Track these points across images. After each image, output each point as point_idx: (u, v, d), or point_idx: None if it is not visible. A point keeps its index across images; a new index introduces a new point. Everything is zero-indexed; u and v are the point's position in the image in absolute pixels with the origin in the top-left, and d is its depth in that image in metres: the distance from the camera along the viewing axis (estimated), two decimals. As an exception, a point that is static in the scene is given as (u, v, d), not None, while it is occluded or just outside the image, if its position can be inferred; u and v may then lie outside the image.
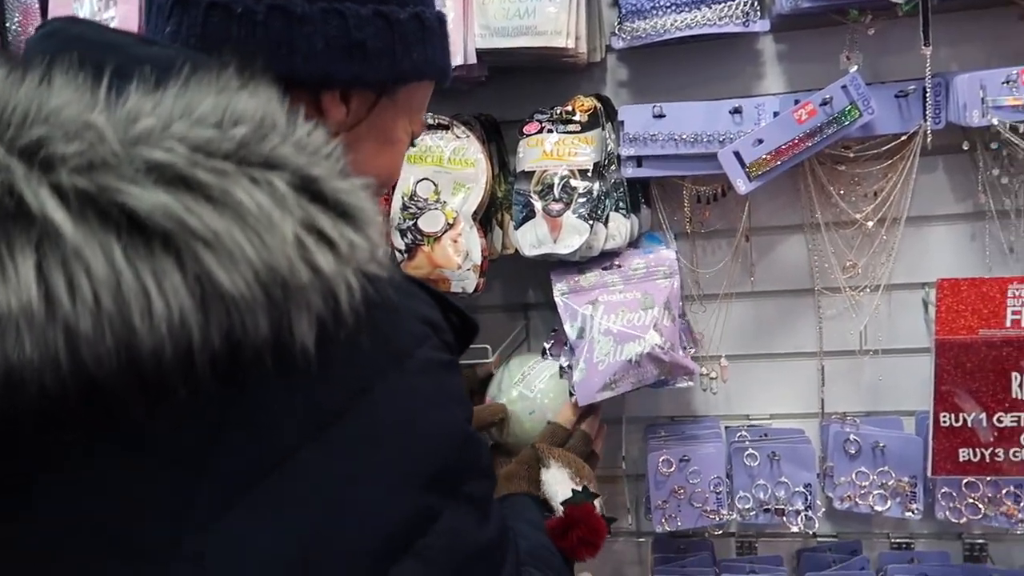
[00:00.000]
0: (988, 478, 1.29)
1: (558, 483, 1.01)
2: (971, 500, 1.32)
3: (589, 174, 1.30)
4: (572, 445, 1.14)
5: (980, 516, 1.32)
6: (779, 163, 1.27)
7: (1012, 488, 1.31)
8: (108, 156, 0.44)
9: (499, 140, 1.41)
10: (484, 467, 0.59)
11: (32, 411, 0.43)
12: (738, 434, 1.41)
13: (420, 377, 0.53)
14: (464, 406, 0.58)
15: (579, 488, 1.01)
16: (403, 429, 0.52)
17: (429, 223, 1.31)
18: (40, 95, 0.45)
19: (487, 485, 0.59)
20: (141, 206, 0.43)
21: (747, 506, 1.37)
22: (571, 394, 1.21)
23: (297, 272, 0.44)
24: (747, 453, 1.37)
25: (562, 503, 0.99)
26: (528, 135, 1.33)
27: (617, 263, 1.32)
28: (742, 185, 1.27)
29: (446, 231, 1.30)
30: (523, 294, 1.49)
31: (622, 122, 1.33)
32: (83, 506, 0.47)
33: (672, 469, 1.36)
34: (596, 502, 1.02)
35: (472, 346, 0.63)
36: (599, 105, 1.34)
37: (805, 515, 1.36)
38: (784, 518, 1.36)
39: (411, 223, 1.30)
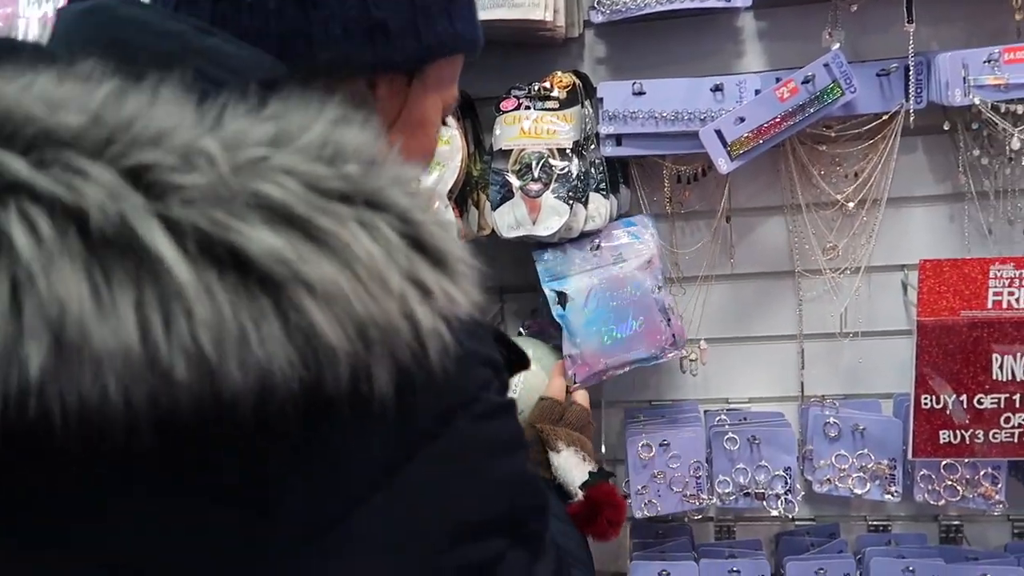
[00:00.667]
0: (967, 460, 1.29)
1: (573, 467, 0.99)
2: (950, 482, 1.32)
3: (568, 153, 1.26)
4: (569, 420, 1.12)
5: (959, 498, 1.32)
6: (761, 142, 1.24)
7: (990, 470, 1.31)
8: (220, 188, 0.40)
9: (474, 117, 1.37)
10: (543, 503, 0.58)
11: (95, 450, 0.39)
12: (717, 418, 1.39)
13: (484, 423, 0.51)
14: (524, 448, 0.57)
15: (594, 469, 0.99)
16: (469, 477, 0.50)
17: (402, 203, 1.26)
18: (145, 110, 0.41)
19: (545, 519, 0.58)
20: (253, 249, 0.39)
21: (727, 490, 1.35)
22: (565, 365, 1.18)
23: (398, 326, 0.42)
24: (727, 437, 1.35)
25: (580, 487, 0.97)
26: (505, 112, 1.29)
27: (598, 242, 1.29)
28: (723, 164, 1.25)
29: (420, 211, 1.26)
30: (499, 276, 1.45)
31: (601, 99, 1.30)
32: (136, 550, 0.44)
33: (652, 454, 1.34)
34: (611, 480, 1.01)
35: None
36: (577, 82, 1.31)
37: (785, 499, 1.35)
38: (764, 502, 1.35)
39: (384, 203, 1.26)
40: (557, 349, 1.27)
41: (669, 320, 1.27)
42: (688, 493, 1.35)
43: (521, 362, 0.60)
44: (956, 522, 1.42)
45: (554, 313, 1.26)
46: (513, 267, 1.42)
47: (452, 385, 0.48)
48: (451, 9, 0.64)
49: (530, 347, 1.24)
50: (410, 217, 0.44)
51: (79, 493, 0.43)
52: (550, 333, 1.29)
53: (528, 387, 1.16)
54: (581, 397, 1.15)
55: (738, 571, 1.35)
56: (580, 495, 0.96)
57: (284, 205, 0.40)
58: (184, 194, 0.39)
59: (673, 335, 1.28)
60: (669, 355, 1.28)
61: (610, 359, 1.25)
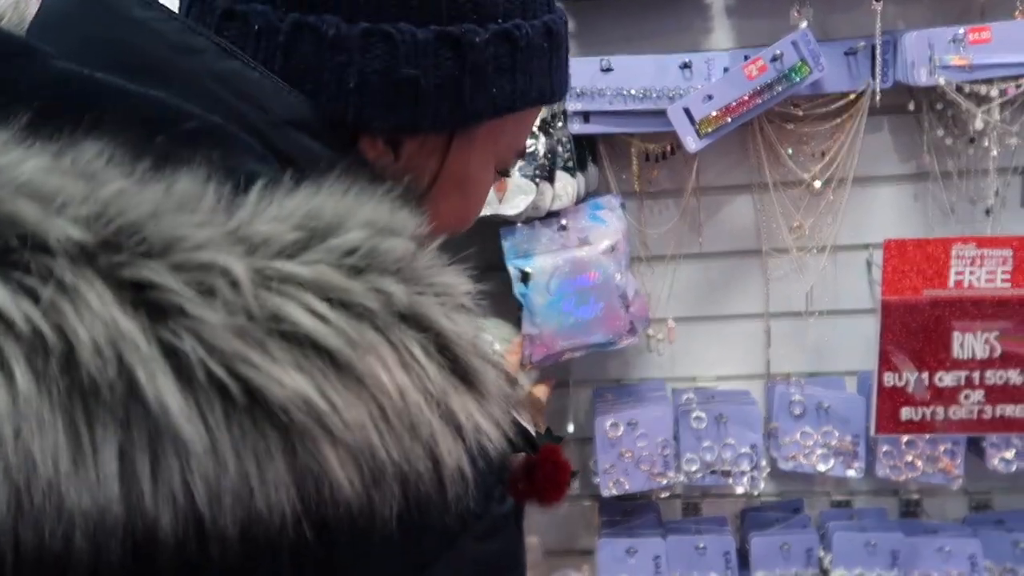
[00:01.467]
0: (927, 436, 1.31)
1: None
2: (911, 458, 1.34)
3: (535, 131, 1.24)
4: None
5: (919, 473, 1.35)
6: (730, 120, 1.24)
7: (949, 445, 1.33)
8: (240, 318, 0.34)
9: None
10: None
11: None
12: (685, 396, 1.40)
13: (487, 543, 0.47)
14: (523, 557, 0.53)
15: (542, 431, 0.98)
16: None
17: (367, 181, 1.24)
18: (156, 208, 0.35)
19: None
20: (274, 393, 0.34)
21: (694, 468, 1.36)
22: (523, 344, 1.18)
23: (420, 470, 0.37)
24: (694, 415, 1.36)
25: None
26: (471, 89, 1.27)
27: (564, 222, 1.28)
28: (692, 143, 1.24)
29: (385, 189, 1.24)
30: (467, 255, 1.43)
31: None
32: None
33: (619, 433, 1.35)
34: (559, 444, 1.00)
35: None
36: (545, 58, 1.29)
37: (750, 476, 1.36)
38: (730, 479, 1.36)
39: (348, 181, 1.23)
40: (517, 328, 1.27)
41: (628, 307, 1.27)
42: (655, 471, 1.36)
43: (530, 446, 0.55)
44: (916, 496, 1.45)
45: (516, 291, 1.25)
46: (478, 246, 1.40)
47: (460, 510, 0.42)
48: (518, 64, 0.52)
49: (494, 326, 1.24)
50: (448, 339, 0.39)
51: None
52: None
53: None
54: (541, 392, 1.14)
55: (704, 547, 1.37)
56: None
57: (312, 336, 0.35)
58: (194, 324, 0.33)
59: (631, 322, 1.27)
60: (625, 341, 1.28)
61: (568, 341, 1.25)
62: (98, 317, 0.32)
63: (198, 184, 0.37)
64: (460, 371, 0.40)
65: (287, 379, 0.34)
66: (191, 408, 0.33)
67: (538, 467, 0.90)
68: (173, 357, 0.33)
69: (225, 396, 0.34)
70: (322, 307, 0.36)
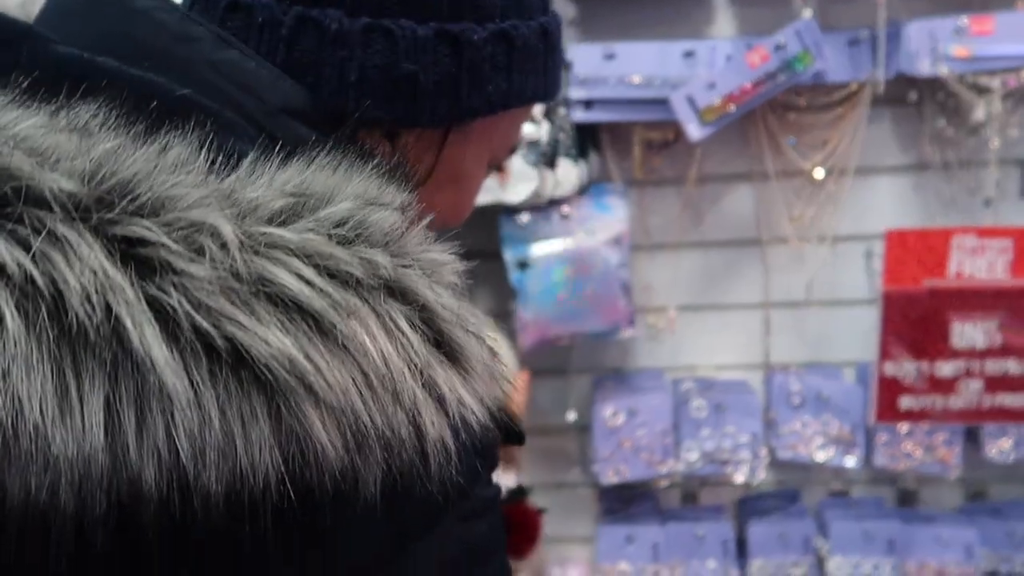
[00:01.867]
0: (926, 427, 1.32)
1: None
2: (908, 448, 1.35)
3: (537, 118, 1.24)
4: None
5: (917, 463, 1.35)
6: (733, 109, 1.24)
7: (947, 435, 1.34)
8: (228, 277, 0.35)
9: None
10: None
11: (43, 546, 0.35)
12: (685, 385, 1.40)
13: (471, 524, 0.47)
14: (503, 544, 0.53)
15: (512, 486, 0.98)
16: None
17: (369, 167, 1.24)
18: (150, 170, 0.36)
19: None
20: (259, 351, 0.35)
21: (693, 457, 1.37)
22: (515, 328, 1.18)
23: (403, 438, 0.38)
24: (694, 404, 1.36)
25: None
26: (474, 75, 1.27)
27: (564, 211, 1.28)
28: (694, 131, 1.24)
29: (387, 176, 1.24)
30: (465, 242, 1.43)
31: (571, 63, 1.28)
32: None
33: (619, 421, 1.35)
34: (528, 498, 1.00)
35: None
36: (548, 45, 1.28)
37: (749, 465, 1.37)
38: (729, 468, 1.37)
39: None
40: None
41: (628, 297, 1.27)
42: (655, 460, 1.36)
43: (516, 436, 0.55)
44: (913, 486, 1.45)
45: (512, 278, 1.25)
46: (479, 233, 1.40)
47: (444, 486, 0.43)
48: (513, 64, 0.53)
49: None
50: (433, 311, 0.40)
51: None
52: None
53: None
54: (521, 381, 1.13)
55: (703, 535, 1.37)
56: None
57: (297, 299, 0.36)
58: (183, 279, 0.34)
59: (631, 312, 1.28)
60: (625, 332, 1.28)
61: (562, 328, 1.25)
62: (88, 266, 0.33)
63: (192, 148, 0.38)
64: (444, 345, 0.41)
65: (272, 338, 0.35)
66: (176, 361, 0.34)
67: (511, 528, 0.90)
68: (160, 311, 0.34)
69: (210, 353, 0.34)
70: (309, 272, 0.37)
